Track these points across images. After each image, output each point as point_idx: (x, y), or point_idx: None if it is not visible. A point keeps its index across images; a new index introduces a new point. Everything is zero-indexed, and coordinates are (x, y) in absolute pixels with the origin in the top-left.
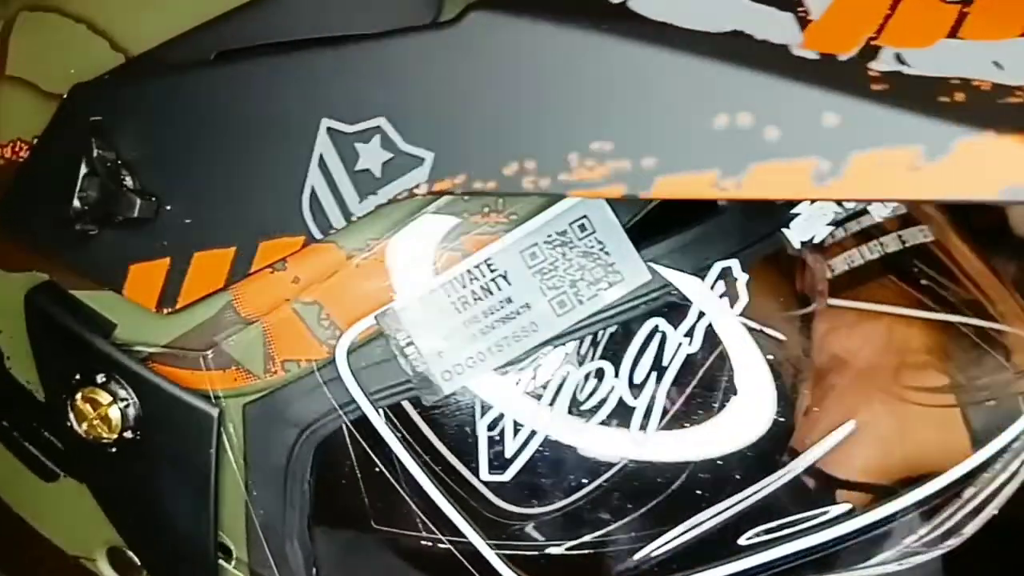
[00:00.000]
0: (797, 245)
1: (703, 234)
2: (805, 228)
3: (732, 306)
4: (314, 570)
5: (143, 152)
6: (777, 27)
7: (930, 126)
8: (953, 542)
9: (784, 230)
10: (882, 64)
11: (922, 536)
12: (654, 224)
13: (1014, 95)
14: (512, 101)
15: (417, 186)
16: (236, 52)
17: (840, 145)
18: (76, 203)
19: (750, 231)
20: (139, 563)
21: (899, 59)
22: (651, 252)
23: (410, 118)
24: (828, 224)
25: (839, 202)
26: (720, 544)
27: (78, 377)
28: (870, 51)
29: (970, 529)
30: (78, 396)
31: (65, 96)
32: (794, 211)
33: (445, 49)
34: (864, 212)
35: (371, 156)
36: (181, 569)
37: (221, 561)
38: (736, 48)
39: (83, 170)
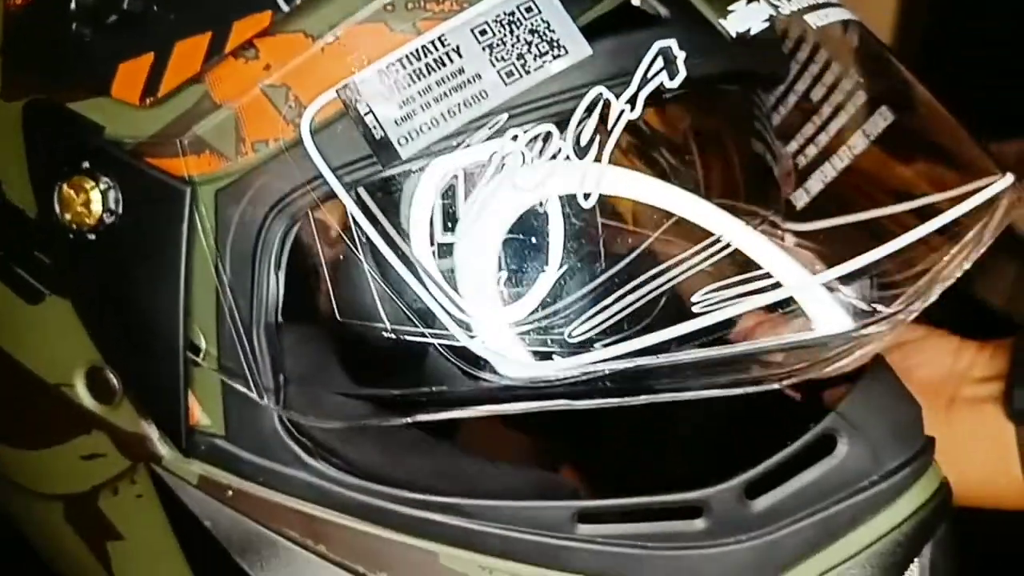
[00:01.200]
0: (733, 34)
1: (643, 31)
2: (739, 21)
3: (671, 79)
4: (279, 368)
5: None
6: None
7: None
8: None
9: (721, 21)
10: None
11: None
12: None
13: None
14: None
15: None
16: None
17: None
18: (73, 5)
19: (689, 24)
20: (116, 382)
21: None
22: (595, 42)
23: None
24: (763, 21)
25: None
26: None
27: (65, 168)
28: None
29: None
30: (64, 186)
31: None
32: (730, 8)
33: None
34: None
35: None
36: (153, 374)
37: (191, 358)
38: None
39: None
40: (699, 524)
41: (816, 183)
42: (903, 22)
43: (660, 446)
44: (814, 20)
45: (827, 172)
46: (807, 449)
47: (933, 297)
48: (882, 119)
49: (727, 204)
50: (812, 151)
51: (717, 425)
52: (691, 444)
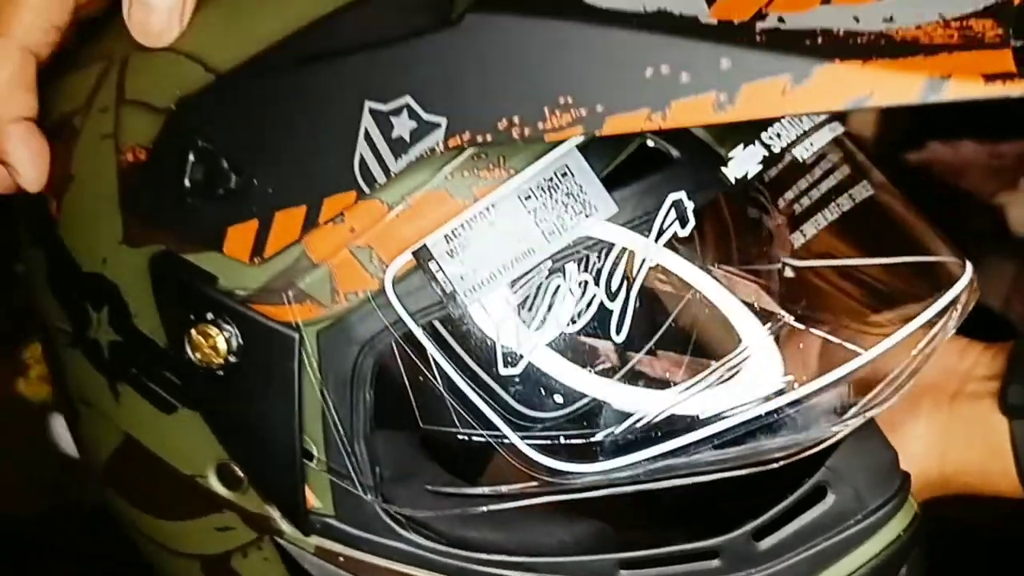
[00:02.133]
0: (732, 180)
1: (658, 178)
2: (739, 167)
3: (683, 227)
4: (377, 467)
5: (234, 140)
6: (691, 3)
7: (795, 60)
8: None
9: (723, 169)
10: (766, 23)
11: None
12: (621, 175)
13: (861, 36)
14: (500, 74)
15: (436, 144)
16: (292, 62)
17: (733, 80)
18: (187, 183)
19: (694, 175)
20: (242, 475)
21: (780, 19)
22: (618, 193)
23: (428, 95)
24: (758, 163)
25: (735, 126)
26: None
27: (192, 317)
28: (759, 15)
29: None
30: (193, 332)
31: (173, 107)
32: (729, 155)
33: (449, 44)
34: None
35: (402, 126)
36: (275, 472)
37: (305, 462)
38: (658, 21)
39: (191, 158)
40: (715, 563)
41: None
42: None
43: (683, 503)
44: (800, 153)
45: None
46: (803, 498)
47: (909, 385)
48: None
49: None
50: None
51: (728, 483)
52: (707, 500)
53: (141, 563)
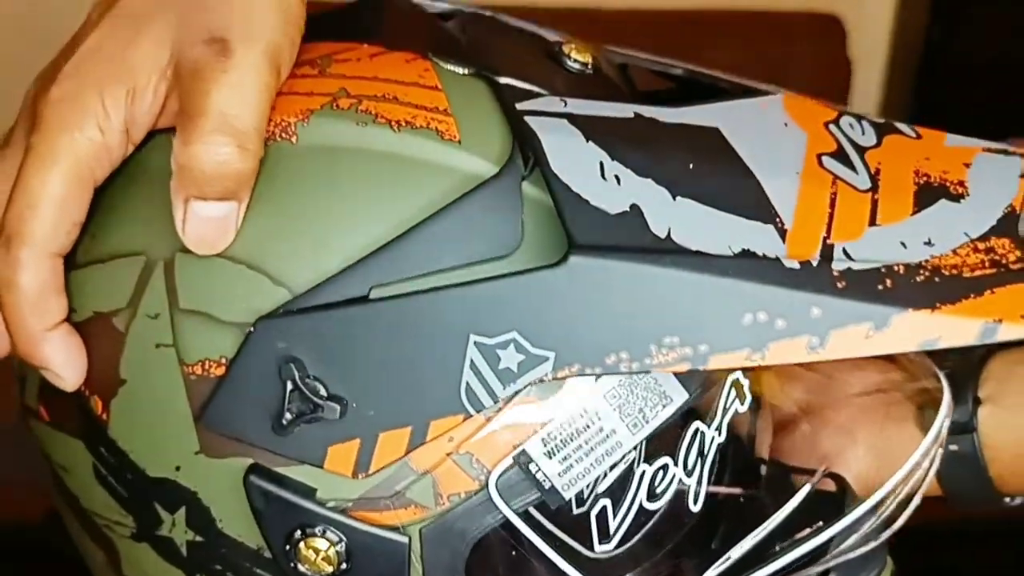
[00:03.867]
0: None
1: None
2: None
3: (742, 404)
4: None
5: (330, 368)
6: (767, 240)
7: (875, 308)
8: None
9: None
10: (838, 263)
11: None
12: None
13: (919, 273)
14: (606, 314)
15: (545, 375)
16: (389, 287)
17: (823, 327)
18: (287, 415)
19: None
20: None
21: (846, 254)
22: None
23: (535, 330)
24: None
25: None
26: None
27: (297, 533)
28: (828, 250)
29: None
30: (301, 546)
31: (252, 329)
32: None
33: (555, 283)
34: None
35: (509, 358)
36: None
37: None
38: (750, 267)
39: (288, 387)
40: None
41: None
42: (903, 22)
43: None
44: None
45: None
46: None
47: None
48: None
49: None
50: None
51: None
52: None
53: None
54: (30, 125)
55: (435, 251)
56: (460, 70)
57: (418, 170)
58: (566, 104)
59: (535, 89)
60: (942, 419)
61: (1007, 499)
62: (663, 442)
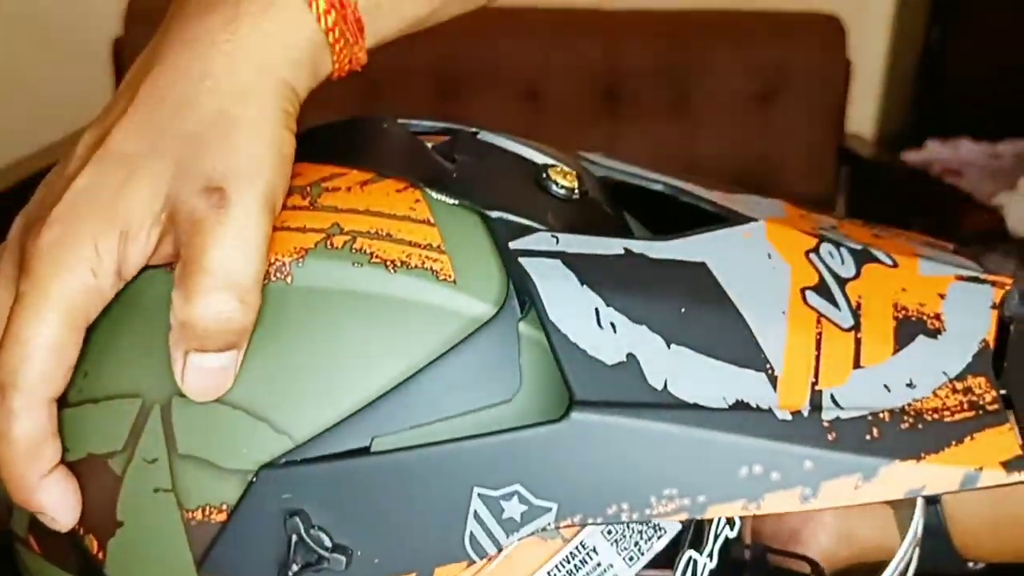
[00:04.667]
0: None
1: None
2: None
3: (732, 530)
4: None
5: (334, 519)
6: (760, 389)
7: (864, 460)
8: None
9: None
10: (827, 412)
11: None
12: None
13: (903, 420)
14: (608, 468)
15: (548, 524)
16: (391, 437)
17: (815, 478)
18: (293, 566)
19: None
20: None
21: (834, 401)
22: None
23: (538, 483)
24: None
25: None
26: None
27: None
28: (817, 398)
29: None
30: None
31: (254, 479)
32: None
33: (557, 438)
34: None
35: (513, 509)
36: None
37: None
38: (745, 420)
39: (293, 538)
40: None
41: None
42: (903, 23)
43: None
44: None
45: None
46: None
47: None
48: None
49: None
50: None
51: None
52: None
53: None
54: (17, 267)
55: (436, 399)
56: (451, 200)
57: (415, 314)
58: (558, 241)
59: (526, 223)
60: (917, 520)
61: (970, 564)
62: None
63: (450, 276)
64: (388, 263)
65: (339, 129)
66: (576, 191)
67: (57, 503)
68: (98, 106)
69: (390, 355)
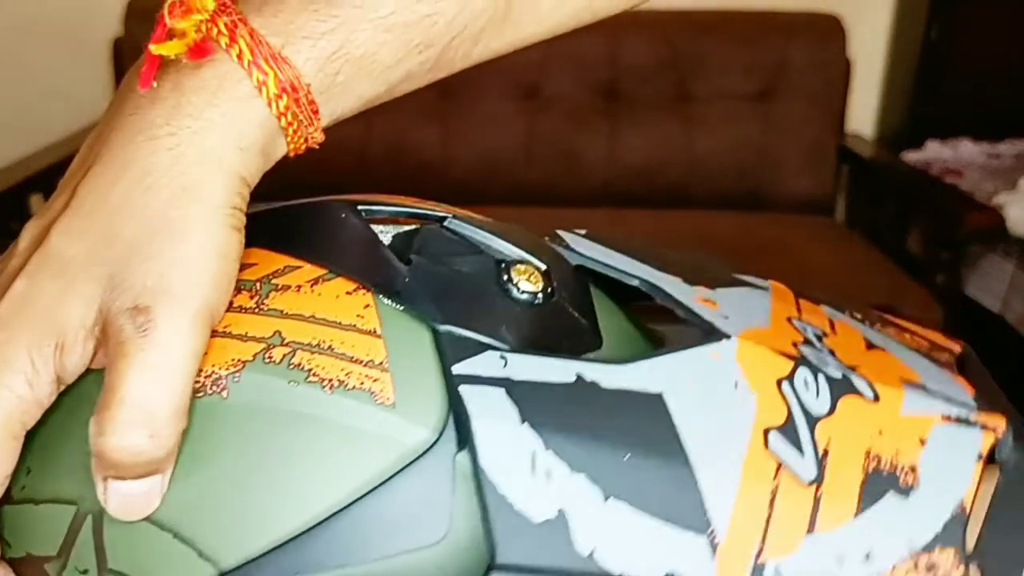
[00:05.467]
0: None
1: None
2: None
3: None
4: None
5: None
6: (697, 559)
7: None
8: None
9: None
10: None
11: None
12: None
13: None
14: None
15: None
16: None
17: None
18: None
19: None
20: None
21: (778, 572)
22: None
23: None
24: None
25: None
26: None
27: None
28: (759, 573)
29: None
30: None
31: None
32: None
33: None
34: None
35: None
36: None
37: None
38: None
39: None
40: None
41: None
42: (903, 23)
43: None
44: None
45: None
46: None
47: None
48: None
49: None
50: None
51: None
52: None
53: None
54: None
55: (365, 539)
56: (401, 308)
57: (350, 440)
58: (506, 364)
59: (478, 338)
60: None
61: None
62: None
63: (389, 399)
64: (325, 382)
65: (299, 214)
66: (539, 295)
67: None
68: (98, 106)
69: (322, 484)
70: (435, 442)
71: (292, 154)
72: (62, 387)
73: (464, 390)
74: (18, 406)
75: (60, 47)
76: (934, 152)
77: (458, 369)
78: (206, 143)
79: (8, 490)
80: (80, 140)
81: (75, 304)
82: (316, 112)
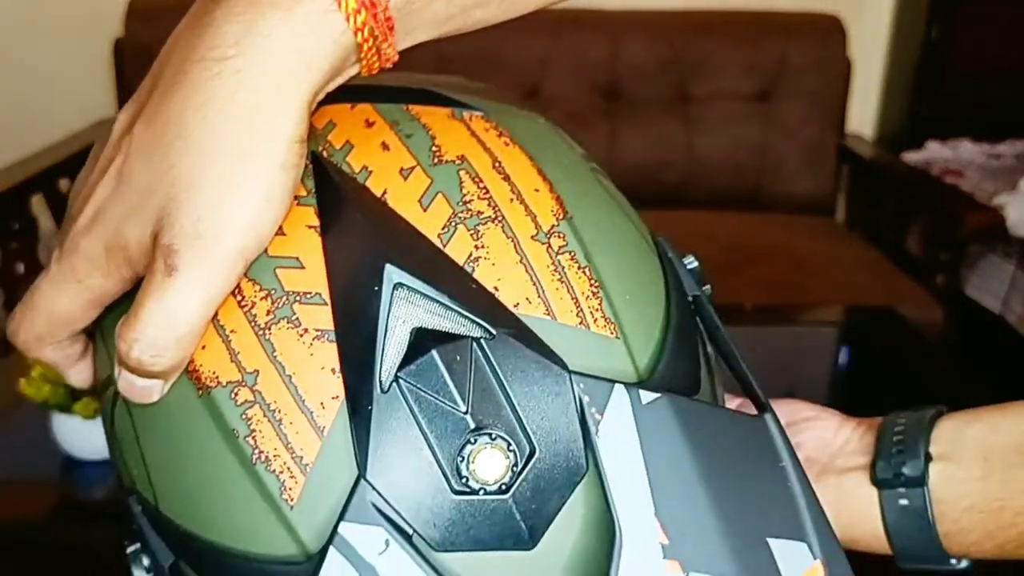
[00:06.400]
0: None
1: None
2: None
3: None
4: None
5: None
6: None
7: None
8: None
9: None
10: None
11: None
12: None
13: None
14: None
15: None
16: None
17: None
18: None
19: None
20: None
21: None
22: None
23: None
24: None
25: None
26: None
27: None
28: None
29: None
30: None
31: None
32: None
33: None
34: None
35: None
36: None
37: None
38: None
39: None
40: None
41: None
42: (903, 22)
43: None
44: None
45: None
46: None
47: None
48: None
49: None
50: None
51: None
52: None
53: None
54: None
55: None
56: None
57: (243, 512)
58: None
59: (395, 519)
60: None
61: (953, 561)
62: None
63: (291, 500)
64: (255, 452)
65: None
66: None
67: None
68: (99, 107)
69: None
70: (300, 563)
71: (365, 72)
72: (129, 286)
73: (341, 532)
74: (96, 293)
75: (61, 48)
76: (934, 152)
77: (345, 529)
78: (275, 67)
79: None
80: (81, 140)
81: (135, 227)
82: (392, 29)
